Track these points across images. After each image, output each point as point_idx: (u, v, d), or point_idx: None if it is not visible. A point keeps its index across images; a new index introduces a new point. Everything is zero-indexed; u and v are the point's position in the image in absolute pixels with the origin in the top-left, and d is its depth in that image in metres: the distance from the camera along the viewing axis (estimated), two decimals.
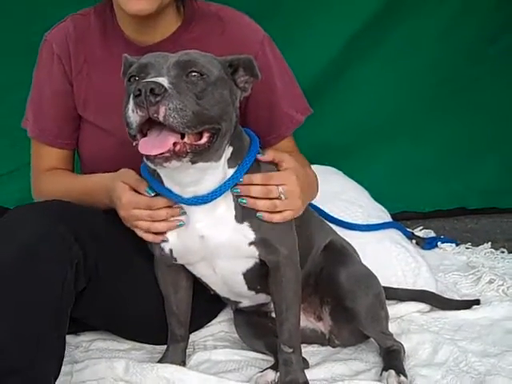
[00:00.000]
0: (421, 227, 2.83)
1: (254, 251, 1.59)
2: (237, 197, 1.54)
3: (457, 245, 2.61)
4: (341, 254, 1.85)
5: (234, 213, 1.54)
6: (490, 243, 2.63)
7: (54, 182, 1.89)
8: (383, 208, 2.53)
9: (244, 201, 1.54)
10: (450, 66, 2.93)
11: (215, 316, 1.99)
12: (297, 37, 2.77)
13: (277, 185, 1.56)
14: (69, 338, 1.76)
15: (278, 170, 1.61)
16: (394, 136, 2.97)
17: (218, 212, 1.54)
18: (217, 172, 1.51)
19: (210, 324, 1.97)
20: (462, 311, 2.04)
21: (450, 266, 2.43)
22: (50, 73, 1.87)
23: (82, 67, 1.85)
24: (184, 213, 1.55)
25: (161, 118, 1.32)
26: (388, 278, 2.07)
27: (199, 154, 1.40)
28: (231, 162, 1.53)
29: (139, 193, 1.58)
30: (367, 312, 1.75)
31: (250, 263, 1.63)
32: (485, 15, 2.88)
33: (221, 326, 1.97)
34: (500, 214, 3.02)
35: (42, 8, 2.54)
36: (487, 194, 3.02)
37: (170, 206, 1.56)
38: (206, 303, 1.86)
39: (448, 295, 2.14)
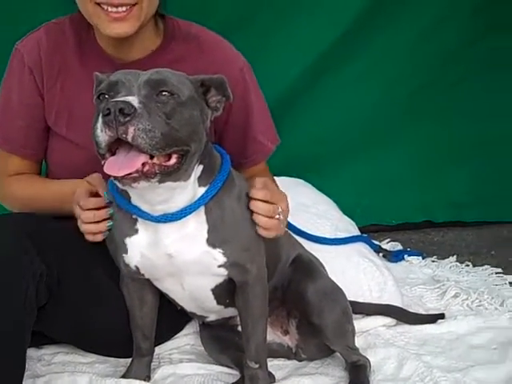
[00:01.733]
0: (388, 239, 2.84)
1: (224, 272, 1.58)
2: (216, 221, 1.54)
3: (423, 258, 2.62)
4: (308, 268, 1.84)
5: (205, 236, 1.53)
6: (455, 256, 2.65)
7: (21, 186, 1.86)
8: (351, 221, 2.54)
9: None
10: (424, 74, 2.92)
11: (181, 329, 1.97)
12: (272, 45, 2.75)
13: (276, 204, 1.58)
14: (30, 352, 1.75)
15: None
16: (364, 148, 2.97)
17: (188, 230, 1.52)
18: (186, 191, 1.49)
19: (175, 337, 1.95)
20: (427, 325, 2.05)
21: (416, 279, 2.44)
22: (20, 84, 1.83)
23: (56, 80, 1.81)
24: (112, 214, 1.56)
25: (129, 139, 1.30)
26: (355, 292, 2.07)
27: (168, 175, 1.39)
28: (201, 181, 1.52)
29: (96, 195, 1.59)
30: (334, 327, 1.75)
31: (219, 280, 1.62)
32: (463, 20, 2.86)
33: (187, 338, 1.95)
34: (464, 228, 3.04)
35: (14, 14, 2.48)
36: (454, 208, 3.04)
37: (99, 208, 1.56)
38: (171, 316, 1.84)
39: (414, 309, 2.15)
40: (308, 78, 2.86)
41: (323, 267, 1.92)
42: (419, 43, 2.89)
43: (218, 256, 1.54)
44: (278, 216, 1.58)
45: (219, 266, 1.56)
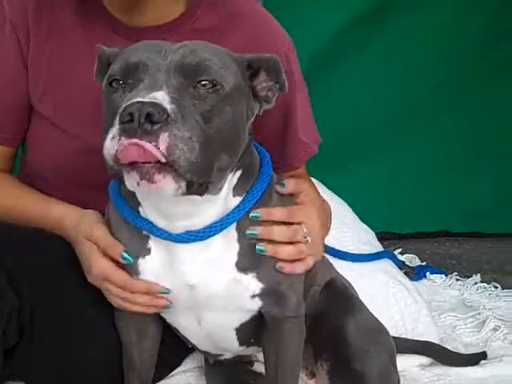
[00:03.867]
0: (399, 249, 2.53)
1: (256, 304, 1.21)
2: (250, 239, 1.16)
3: (446, 275, 2.31)
4: (345, 297, 1.49)
5: (235, 258, 1.16)
6: (479, 275, 2.35)
7: None
8: (370, 230, 2.21)
9: (262, 249, 1.16)
10: (444, 71, 2.62)
11: (179, 364, 1.59)
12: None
13: (299, 223, 1.19)
14: None
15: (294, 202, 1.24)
16: (376, 149, 2.66)
17: (212, 252, 1.15)
18: (216, 204, 1.12)
19: (172, 374, 1.56)
20: (467, 367, 1.73)
21: (443, 302, 2.12)
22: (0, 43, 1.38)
23: (44, 43, 1.37)
24: (166, 291, 1.17)
25: (159, 156, 0.92)
26: (385, 322, 1.71)
27: (195, 190, 1.00)
28: (237, 189, 1.15)
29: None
30: (379, 376, 1.40)
31: (246, 317, 1.25)
32: (488, 18, 2.58)
33: (186, 376, 1.57)
34: (481, 238, 2.75)
35: None
36: (471, 217, 2.74)
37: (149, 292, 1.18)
38: (168, 348, 1.44)
39: (450, 345, 1.82)
40: (316, 72, 2.47)
41: (357, 294, 1.57)
42: (442, 34, 2.59)
43: (251, 283, 1.18)
44: (304, 239, 1.20)
45: (252, 297, 1.19)
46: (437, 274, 2.30)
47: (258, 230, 1.16)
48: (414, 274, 2.27)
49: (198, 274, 1.15)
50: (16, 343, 1.23)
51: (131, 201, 1.16)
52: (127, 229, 1.18)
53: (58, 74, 1.38)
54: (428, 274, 2.29)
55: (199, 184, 0.99)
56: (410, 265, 2.38)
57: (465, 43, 2.60)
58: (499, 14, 2.59)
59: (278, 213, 1.18)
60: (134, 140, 0.91)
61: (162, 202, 1.08)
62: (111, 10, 1.36)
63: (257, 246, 1.16)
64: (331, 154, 2.54)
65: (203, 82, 1.00)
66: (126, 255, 1.17)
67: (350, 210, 2.25)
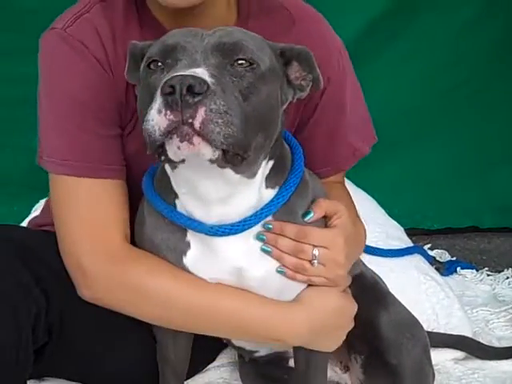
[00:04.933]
0: (429, 245, 2.50)
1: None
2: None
3: (476, 270, 2.30)
4: (376, 291, 1.49)
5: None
6: (510, 269, 2.32)
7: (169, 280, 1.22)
8: (399, 225, 2.20)
9: (268, 250, 1.17)
10: (467, 68, 2.59)
11: (214, 359, 1.60)
12: None
13: (314, 245, 1.18)
14: None
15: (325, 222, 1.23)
16: (402, 144, 2.62)
17: (253, 242, 1.17)
18: (250, 192, 1.13)
19: (206, 369, 1.58)
20: (502, 361, 1.72)
21: (475, 297, 2.11)
22: (87, 80, 1.25)
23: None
24: None
25: (197, 125, 0.93)
26: (417, 316, 1.71)
27: (230, 158, 1.00)
28: (270, 181, 1.16)
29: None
30: (414, 369, 1.40)
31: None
32: (507, 17, 2.53)
33: (220, 372, 1.60)
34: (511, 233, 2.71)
35: None
36: (500, 212, 2.70)
37: None
38: (203, 344, 1.44)
39: (484, 339, 1.81)
40: None
41: (387, 288, 1.57)
42: (464, 33, 2.55)
43: None
44: (312, 261, 1.18)
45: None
46: (468, 269, 2.28)
47: (266, 235, 1.17)
48: (445, 269, 2.25)
49: (244, 258, 1.16)
50: (45, 343, 1.24)
51: (167, 196, 1.17)
52: (165, 226, 1.19)
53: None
54: (459, 269, 2.27)
55: (235, 154, 0.99)
56: (441, 260, 2.36)
57: (485, 42, 2.56)
58: None
59: (289, 228, 1.17)
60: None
61: (200, 178, 1.08)
62: (163, 22, 1.30)
63: (262, 246, 1.17)
64: None
65: (240, 61, 1.02)
66: None
67: (379, 206, 2.24)
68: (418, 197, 2.65)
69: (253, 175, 1.12)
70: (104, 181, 1.24)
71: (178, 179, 1.13)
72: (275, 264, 1.18)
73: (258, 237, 1.17)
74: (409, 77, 2.57)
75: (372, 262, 1.76)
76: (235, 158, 1.00)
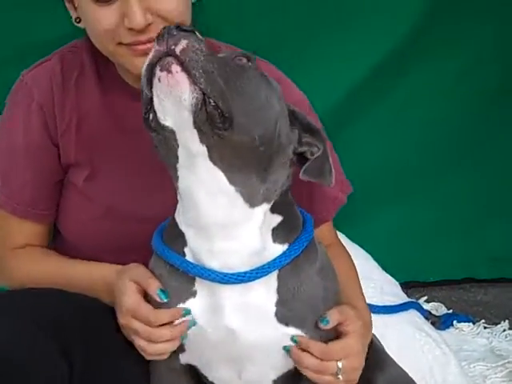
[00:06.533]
0: (425, 297, 2.52)
1: None
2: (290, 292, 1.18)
3: (473, 323, 2.29)
4: (372, 351, 1.46)
5: (273, 309, 1.17)
6: (507, 321, 2.34)
7: (33, 266, 1.42)
8: (394, 280, 2.20)
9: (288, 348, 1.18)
10: (458, 123, 2.61)
11: None
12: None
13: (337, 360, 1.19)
14: None
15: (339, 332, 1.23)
16: (397, 196, 2.64)
17: (253, 298, 1.16)
18: (251, 227, 1.14)
19: None
20: None
21: (472, 352, 2.11)
22: (27, 124, 1.40)
23: (70, 121, 1.41)
24: (194, 324, 1.17)
25: (177, 51, 1.00)
26: (414, 374, 1.69)
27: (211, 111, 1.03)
28: (278, 236, 1.17)
29: (146, 297, 1.20)
30: None
31: (285, 369, 1.24)
32: (503, 66, 2.57)
33: None
34: (508, 283, 2.70)
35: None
36: (495, 263, 2.70)
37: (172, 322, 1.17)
38: None
39: None
40: (334, 122, 2.48)
41: (383, 347, 1.57)
42: (456, 85, 2.57)
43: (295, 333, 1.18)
44: (337, 375, 1.18)
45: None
46: (464, 322, 2.28)
47: (292, 349, 1.17)
48: (441, 322, 2.25)
49: (239, 318, 1.16)
50: None
51: (176, 246, 1.18)
52: (173, 277, 1.20)
53: (86, 146, 1.42)
54: (455, 322, 2.27)
55: (216, 107, 1.02)
56: (437, 313, 2.36)
57: (481, 92, 2.59)
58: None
59: (315, 347, 1.17)
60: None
61: (199, 190, 1.10)
62: (130, 81, 1.40)
63: (285, 345, 1.17)
64: (351, 204, 2.55)
65: (240, 58, 1.10)
66: (161, 293, 1.18)
67: (373, 260, 2.25)
68: (413, 250, 2.65)
69: (251, 203, 1.12)
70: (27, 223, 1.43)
71: (185, 201, 1.14)
72: (269, 327, 1.17)
73: (285, 348, 1.17)
74: (401, 131, 2.60)
75: None
76: (216, 113, 1.02)
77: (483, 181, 2.68)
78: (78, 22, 1.36)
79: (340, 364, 1.18)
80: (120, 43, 1.28)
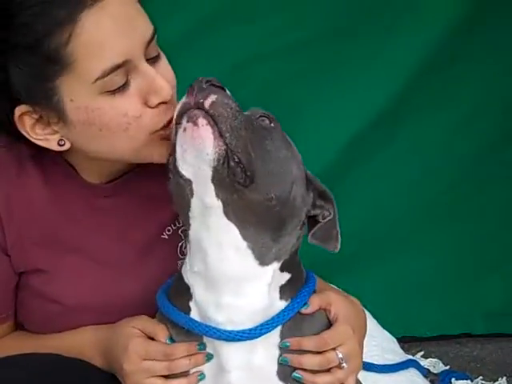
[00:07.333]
0: (422, 352, 2.51)
1: None
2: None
3: (471, 380, 2.29)
4: None
5: (276, 367, 1.18)
6: (504, 378, 2.35)
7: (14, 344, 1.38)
8: (392, 337, 2.20)
9: (299, 376, 1.18)
10: (454, 173, 2.65)
11: None
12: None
13: (334, 349, 1.20)
14: None
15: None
16: (392, 252, 2.65)
17: (257, 356, 1.18)
18: (260, 286, 1.16)
19: None
20: None
21: None
22: None
23: (20, 228, 1.33)
24: (210, 357, 1.18)
25: (206, 105, 1.03)
26: None
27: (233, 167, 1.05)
28: (284, 293, 1.19)
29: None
30: None
31: None
32: (502, 116, 2.60)
33: None
34: (503, 338, 2.69)
35: None
36: (492, 318, 2.70)
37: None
38: None
39: None
40: (329, 177, 2.51)
41: None
42: (455, 136, 2.61)
43: None
44: (341, 364, 1.20)
45: None
46: (462, 379, 2.27)
47: (289, 357, 1.18)
48: (439, 380, 2.24)
49: (242, 379, 1.17)
50: None
51: (181, 301, 1.19)
52: (179, 333, 1.20)
53: (39, 252, 1.36)
54: (453, 380, 2.26)
55: (238, 163, 1.04)
56: (435, 371, 2.35)
57: (478, 143, 2.62)
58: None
59: (308, 343, 1.19)
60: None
61: (210, 242, 1.12)
62: (88, 176, 1.36)
63: (293, 374, 1.18)
64: (344, 259, 2.56)
65: (263, 118, 1.15)
66: (169, 340, 1.19)
67: (371, 316, 2.24)
68: (409, 305, 2.65)
69: (262, 261, 1.14)
70: None
71: (193, 250, 1.15)
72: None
73: (282, 359, 1.18)
74: (397, 184, 2.63)
75: (368, 379, 1.77)
76: (239, 169, 1.05)
77: (479, 236, 2.69)
78: (62, 145, 1.23)
79: (339, 353, 1.19)
80: (156, 131, 1.21)
